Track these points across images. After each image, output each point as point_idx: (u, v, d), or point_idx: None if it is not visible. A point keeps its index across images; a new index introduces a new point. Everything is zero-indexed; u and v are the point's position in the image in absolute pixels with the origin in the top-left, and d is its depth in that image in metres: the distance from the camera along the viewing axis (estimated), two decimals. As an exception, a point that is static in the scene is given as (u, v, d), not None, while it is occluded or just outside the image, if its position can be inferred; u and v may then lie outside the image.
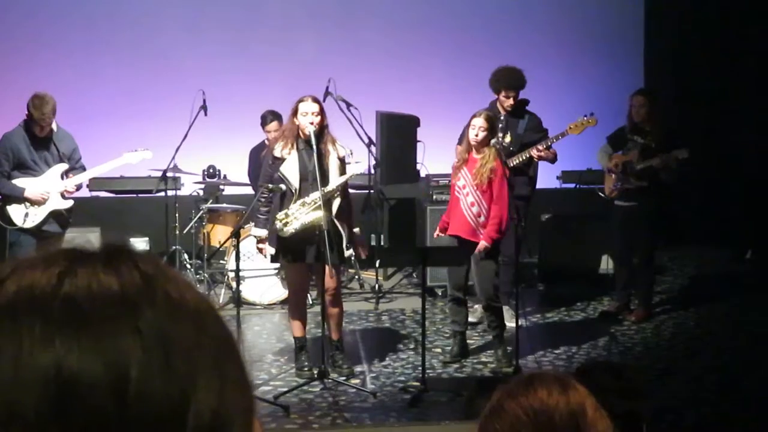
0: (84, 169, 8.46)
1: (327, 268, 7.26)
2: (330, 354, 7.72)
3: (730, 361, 8.27)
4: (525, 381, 1.90)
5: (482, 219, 7.78)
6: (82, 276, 0.87)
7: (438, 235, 8.14)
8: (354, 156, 7.96)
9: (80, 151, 8.48)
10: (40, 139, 8.17)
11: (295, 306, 7.83)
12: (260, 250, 7.73)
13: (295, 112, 7.46)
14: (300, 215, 7.37)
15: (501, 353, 7.95)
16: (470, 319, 8.68)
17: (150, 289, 0.88)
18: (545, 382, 1.87)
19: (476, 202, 7.78)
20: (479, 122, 7.79)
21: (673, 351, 8.61)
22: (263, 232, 7.58)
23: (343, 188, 7.66)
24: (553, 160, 9.11)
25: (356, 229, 7.92)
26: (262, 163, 7.92)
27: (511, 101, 9.05)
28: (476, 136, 7.77)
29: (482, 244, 7.72)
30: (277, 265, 8.64)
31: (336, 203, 7.53)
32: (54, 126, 8.25)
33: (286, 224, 7.39)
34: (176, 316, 0.88)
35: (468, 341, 8.39)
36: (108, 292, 0.86)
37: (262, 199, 7.61)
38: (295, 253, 7.54)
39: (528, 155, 8.90)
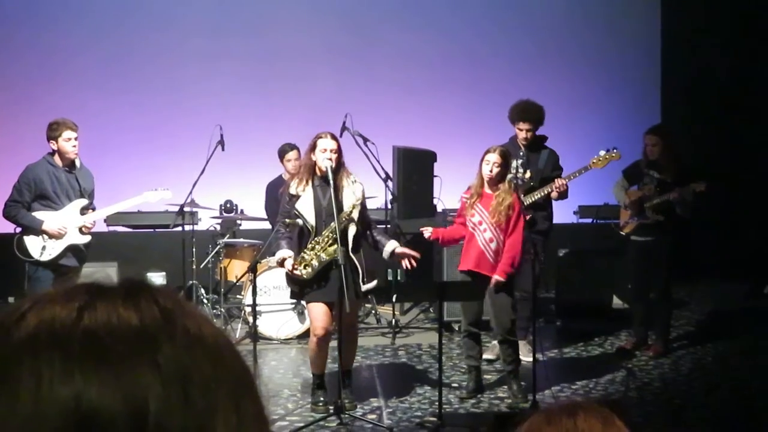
0: (94, 210, 8.43)
1: (345, 302, 7.13)
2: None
3: (749, 397, 8.22)
4: (568, 408, 1.89)
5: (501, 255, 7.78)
6: (102, 310, 0.87)
7: (429, 235, 7.98)
8: (368, 190, 7.92)
9: (97, 188, 8.45)
10: (63, 172, 8.18)
11: (318, 344, 7.58)
12: (288, 268, 7.42)
13: (312, 148, 7.42)
14: (316, 253, 7.36)
15: (516, 388, 7.90)
16: (486, 356, 8.66)
17: (169, 324, 0.89)
18: (588, 414, 1.86)
19: (495, 238, 7.75)
20: (493, 158, 7.74)
21: (691, 386, 8.55)
22: (289, 252, 7.42)
23: (363, 220, 7.59)
24: (564, 194, 9.05)
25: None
26: (280, 199, 7.87)
27: (524, 134, 9.01)
28: (491, 171, 7.73)
29: (496, 278, 7.70)
30: (294, 300, 8.57)
31: (351, 235, 7.45)
32: (77, 162, 8.27)
33: (305, 266, 7.36)
34: (195, 351, 0.88)
35: (485, 376, 8.37)
36: (127, 327, 0.87)
37: (281, 234, 7.53)
38: (319, 292, 7.47)
39: (548, 190, 8.87)
